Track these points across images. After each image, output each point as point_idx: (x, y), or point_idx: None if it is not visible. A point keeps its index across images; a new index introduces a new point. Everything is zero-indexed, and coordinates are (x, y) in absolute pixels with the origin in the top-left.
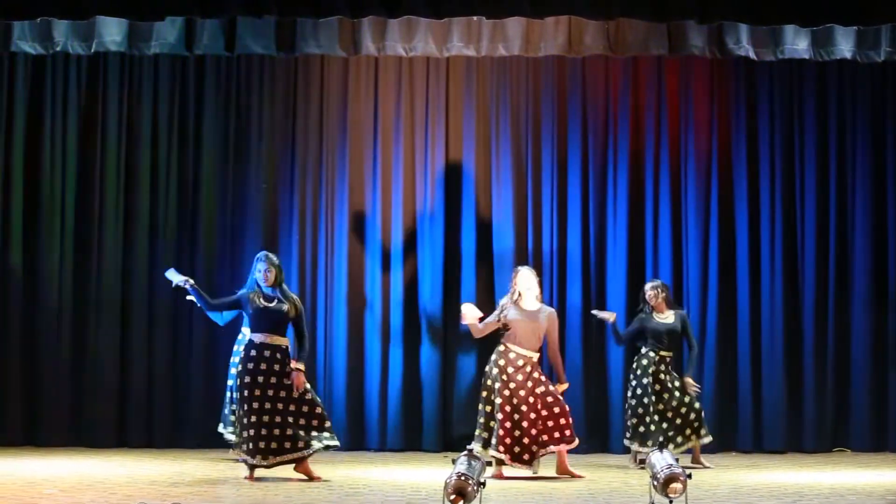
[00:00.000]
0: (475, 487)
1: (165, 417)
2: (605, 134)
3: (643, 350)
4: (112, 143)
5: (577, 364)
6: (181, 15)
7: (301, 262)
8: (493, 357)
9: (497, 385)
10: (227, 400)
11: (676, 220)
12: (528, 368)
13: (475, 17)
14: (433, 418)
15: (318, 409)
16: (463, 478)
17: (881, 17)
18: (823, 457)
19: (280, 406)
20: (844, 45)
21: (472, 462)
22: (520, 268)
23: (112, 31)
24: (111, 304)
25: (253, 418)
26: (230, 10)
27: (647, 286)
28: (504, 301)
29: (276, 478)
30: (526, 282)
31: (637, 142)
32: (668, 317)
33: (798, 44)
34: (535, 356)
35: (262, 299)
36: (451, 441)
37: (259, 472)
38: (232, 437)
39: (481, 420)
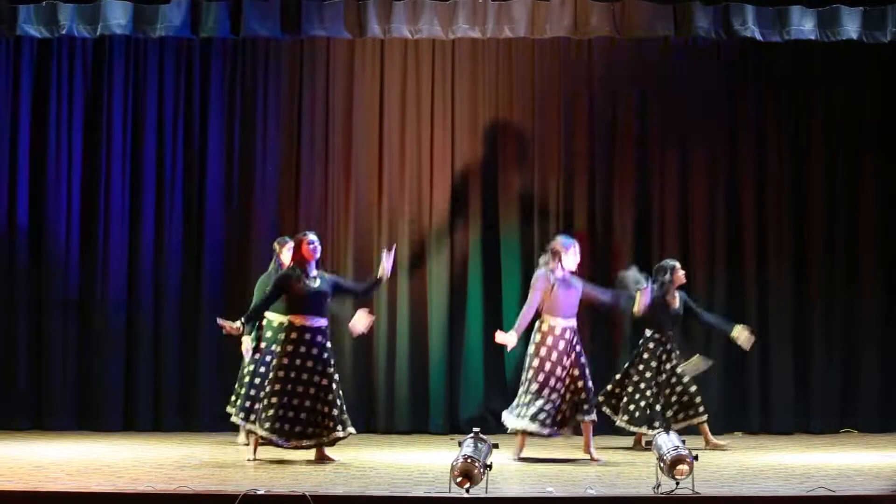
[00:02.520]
0: (482, 470)
1: (172, 401)
2: (611, 114)
3: (649, 333)
4: (118, 127)
5: None
6: None
7: None
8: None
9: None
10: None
11: (683, 202)
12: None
13: None
14: (440, 401)
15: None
16: (469, 460)
17: None
18: (831, 438)
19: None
20: (850, 25)
21: (479, 444)
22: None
23: (117, 15)
24: (118, 287)
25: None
26: None
27: (678, 265)
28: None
29: (281, 459)
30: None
31: (643, 122)
32: (676, 300)
33: (804, 24)
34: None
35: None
36: (457, 424)
37: (264, 454)
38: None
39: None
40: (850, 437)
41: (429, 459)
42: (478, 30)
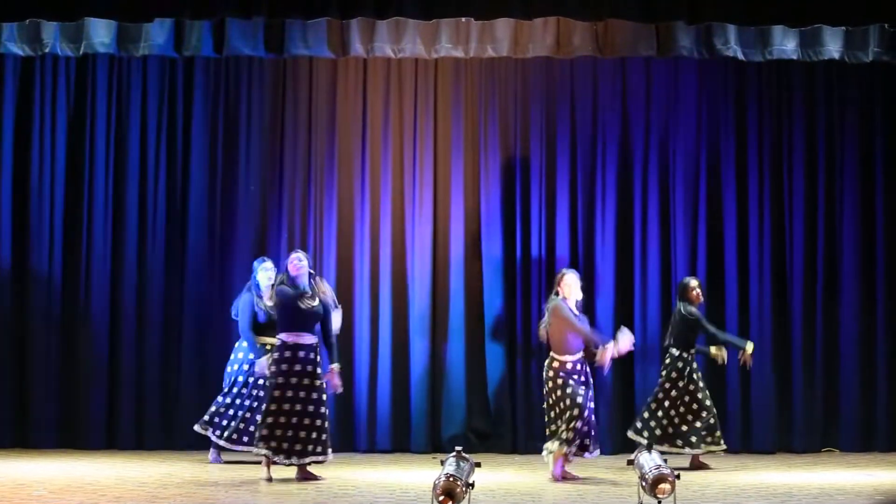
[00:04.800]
0: (464, 488)
1: (155, 419)
2: (593, 135)
3: (681, 351)
4: (101, 145)
5: None
6: (170, 16)
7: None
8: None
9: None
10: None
11: (665, 222)
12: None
13: (463, 19)
14: (422, 419)
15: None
16: (451, 479)
17: (869, 17)
18: (812, 457)
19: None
20: (832, 45)
21: (461, 463)
22: (565, 270)
23: (101, 33)
24: (100, 305)
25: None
26: (219, 12)
27: (696, 283)
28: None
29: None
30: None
31: (625, 143)
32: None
33: (786, 44)
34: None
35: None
36: (439, 442)
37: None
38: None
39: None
40: (831, 457)
41: (411, 478)
42: (461, 49)
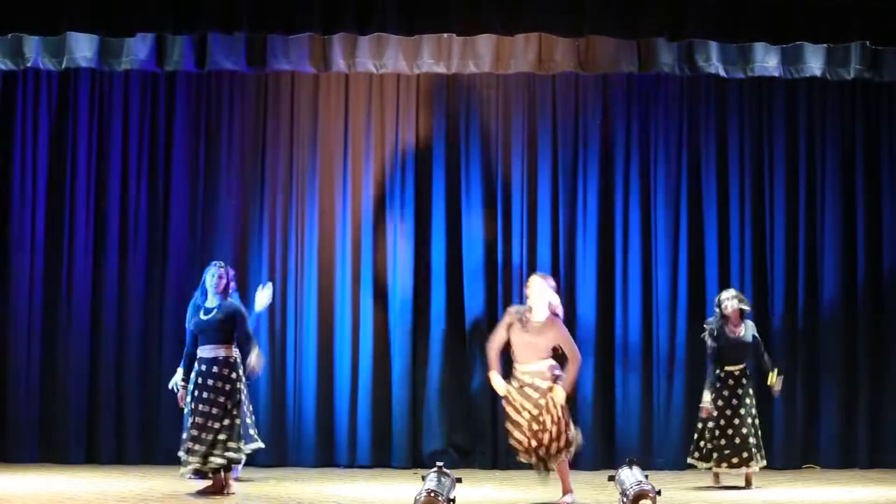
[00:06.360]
0: None
1: (135, 434)
2: (574, 150)
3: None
4: (83, 159)
5: None
6: (152, 31)
7: (271, 279)
8: None
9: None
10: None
11: (646, 236)
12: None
13: (445, 35)
14: (403, 435)
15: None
16: (433, 494)
17: (851, 34)
18: (792, 474)
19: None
20: (814, 62)
21: (442, 478)
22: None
23: (83, 47)
24: (81, 320)
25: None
26: (201, 27)
27: (724, 297)
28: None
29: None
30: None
31: (607, 158)
32: (740, 329)
33: (768, 61)
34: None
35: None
36: (420, 457)
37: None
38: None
39: None
40: (811, 473)
41: (392, 494)
42: (443, 65)
